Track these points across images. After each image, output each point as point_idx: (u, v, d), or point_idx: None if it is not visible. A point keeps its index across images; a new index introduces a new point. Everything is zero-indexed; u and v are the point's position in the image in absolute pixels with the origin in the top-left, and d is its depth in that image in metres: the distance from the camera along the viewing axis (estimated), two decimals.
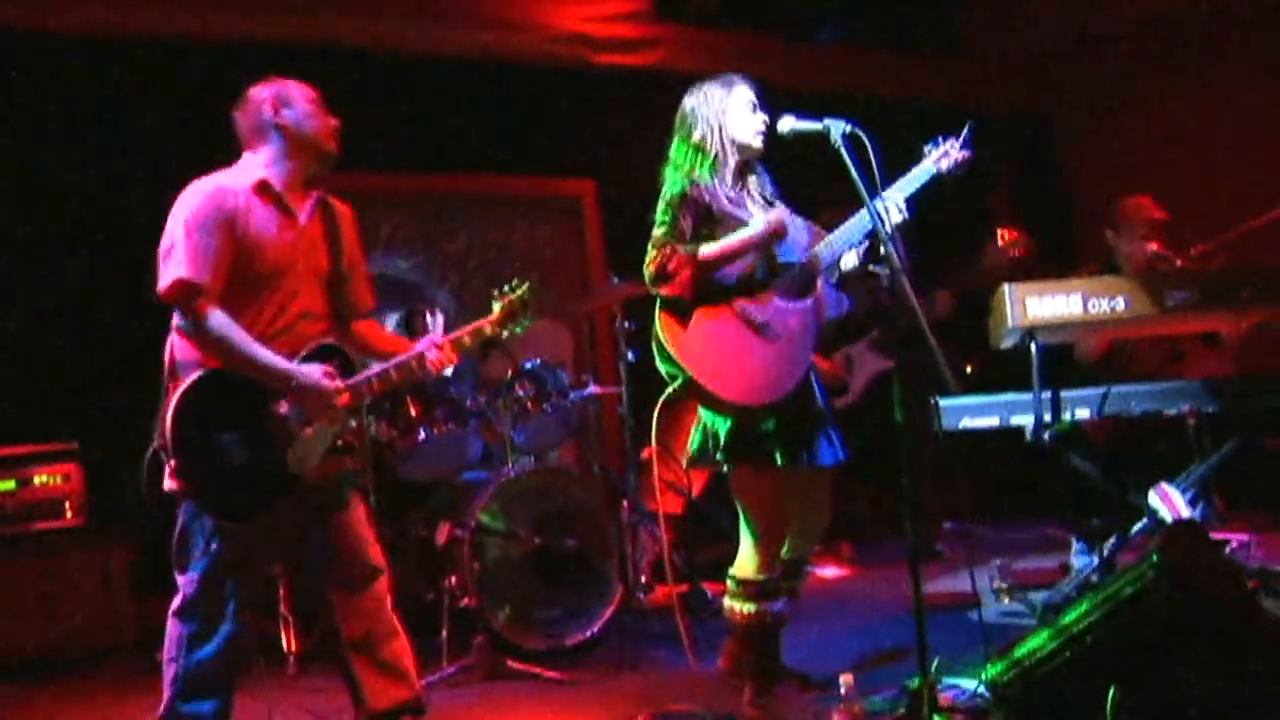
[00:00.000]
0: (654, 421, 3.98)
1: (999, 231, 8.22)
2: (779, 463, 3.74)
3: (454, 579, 4.93)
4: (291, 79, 3.58)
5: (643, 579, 5.89)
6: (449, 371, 5.59)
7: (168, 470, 3.29)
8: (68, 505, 5.42)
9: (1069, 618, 3.40)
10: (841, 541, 6.67)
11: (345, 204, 3.72)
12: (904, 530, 6.61)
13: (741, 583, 3.94)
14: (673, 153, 4.02)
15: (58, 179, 5.89)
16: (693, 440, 3.89)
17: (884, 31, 8.19)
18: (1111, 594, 3.35)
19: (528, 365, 5.43)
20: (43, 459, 5.42)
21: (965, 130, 3.98)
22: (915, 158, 4.04)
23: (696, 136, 3.96)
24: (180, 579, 3.42)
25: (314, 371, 3.38)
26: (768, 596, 3.93)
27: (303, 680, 4.84)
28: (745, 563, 3.94)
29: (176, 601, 3.43)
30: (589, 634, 5.07)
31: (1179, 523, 4.51)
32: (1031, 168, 8.97)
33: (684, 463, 3.95)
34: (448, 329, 5.89)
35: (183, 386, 3.24)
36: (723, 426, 3.77)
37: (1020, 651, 3.43)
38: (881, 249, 3.63)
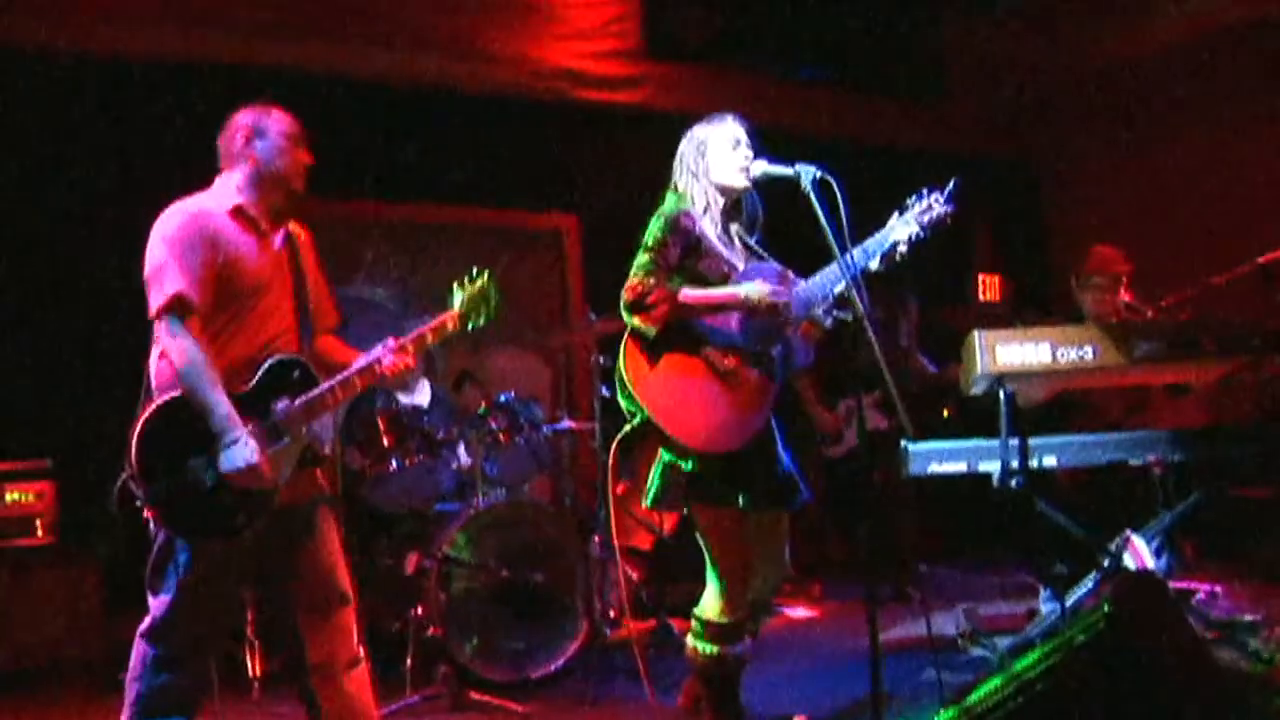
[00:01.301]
0: (610, 457, 3.98)
1: (980, 278, 8.37)
2: (741, 505, 3.76)
3: (420, 609, 4.95)
4: (278, 106, 3.58)
5: (613, 614, 5.90)
6: (420, 387, 5.65)
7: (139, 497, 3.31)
8: (39, 523, 5.43)
9: (1020, 664, 3.41)
10: (813, 581, 6.68)
11: (301, 225, 3.73)
12: (880, 573, 6.74)
13: (706, 624, 3.94)
14: (668, 192, 4.04)
15: (29, 196, 5.90)
16: (652, 480, 3.89)
17: (869, 75, 8.25)
18: (1062, 642, 3.37)
19: (502, 398, 5.46)
20: (15, 477, 5.44)
21: (950, 185, 3.96)
22: (896, 201, 4.05)
23: (682, 184, 4.00)
24: (152, 601, 3.43)
25: (249, 443, 3.30)
26: (730, 639, 3.93)
27: (266, 705, 4.85)
28: (710, 604, 3.93)
29: (146, 623, 3.44)
30: (553, 668, 5.09)
31: (1133, 572, 4.54)
32: (1013, 214, 9.04)
33: (645, 502, 3.95)
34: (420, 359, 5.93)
35: (146, 413, 3.27)
36: (686, 467, 3.78)
37: (972, 698, 3.45)
38: (850, 295, 3.67)
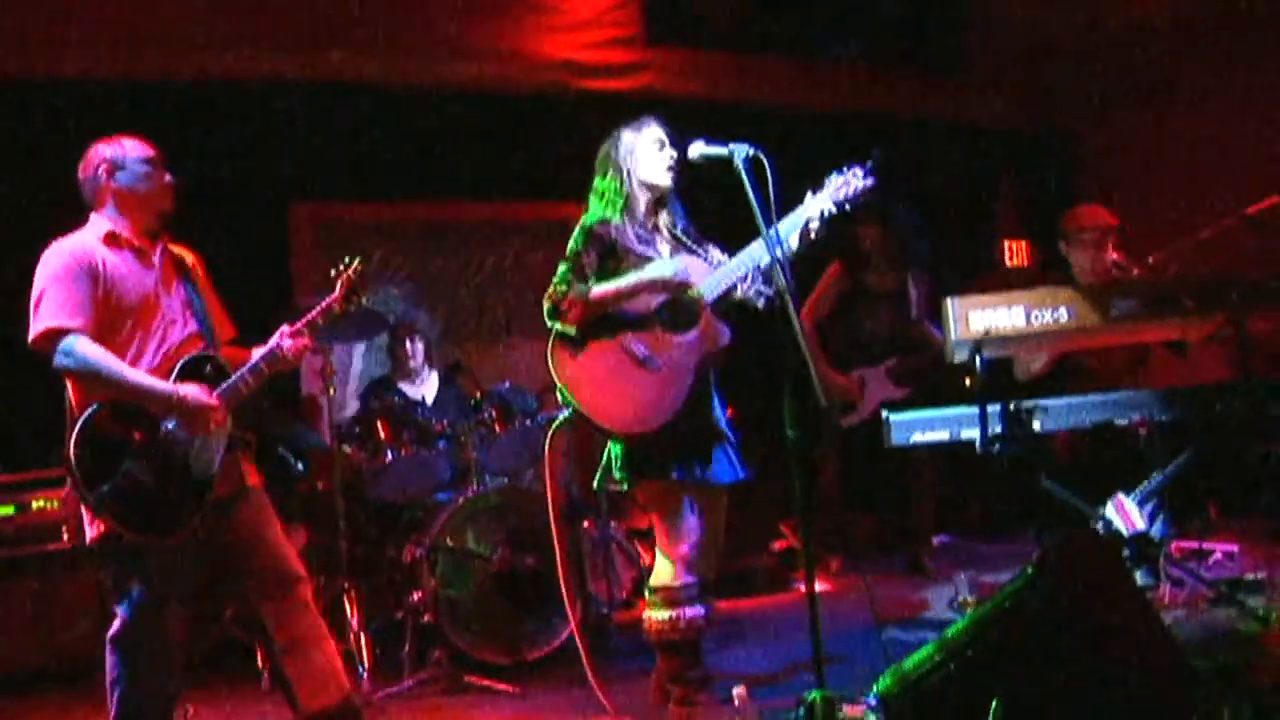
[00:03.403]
0: (546, 446, 4.14)
1: (1006, 244, 8.28)
2: (673, 476, 3.89)
3: (417, 596, 5.08)
4: (129, 135, 3.77)
5: (623, 595, 5.98)
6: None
7: (85, 513, 3.53)
8: (64, 529, 5.64)
9: (953, 630, 3.44)
10: (830, 556, 6.69)
11: (184, 247, 3.94)
12: (900, 546, 6.75)
13: (656, 590, 4.06)
14: (591, 195, 4.23)
15: (60, 204, 6.12)
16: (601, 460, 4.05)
17: (887, 51, 8.18)
18: (991, 607, 3.39)
19: (498, 388, 5.57)
20: (41, 485, 5.65)
21: (871, 158, 4.02)
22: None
23: (607, 181, 4.16)
24: (117, 609, 3.64)
25: (189, 389, 3.56)
26: (682, 602, 4.02)
27: (275, 693, 4.98)
28: (660, 572, 4.07)
29: (113, 629, 3.65)
30: (549, 649, 5.20)
31: (1064, 537, 4.49)
32: (1039, 181, 8.90)
33: (593, 483, 4.09)
34: (429, 353, 6.09)
35: (75, 428, 3.46)
36: (618, 448, 3.95)
37: (909, 664, 3.47)
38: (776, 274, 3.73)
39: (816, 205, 3.96)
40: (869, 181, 3.98)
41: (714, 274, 3.99)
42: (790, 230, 3.93)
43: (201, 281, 3.91)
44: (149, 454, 3.50)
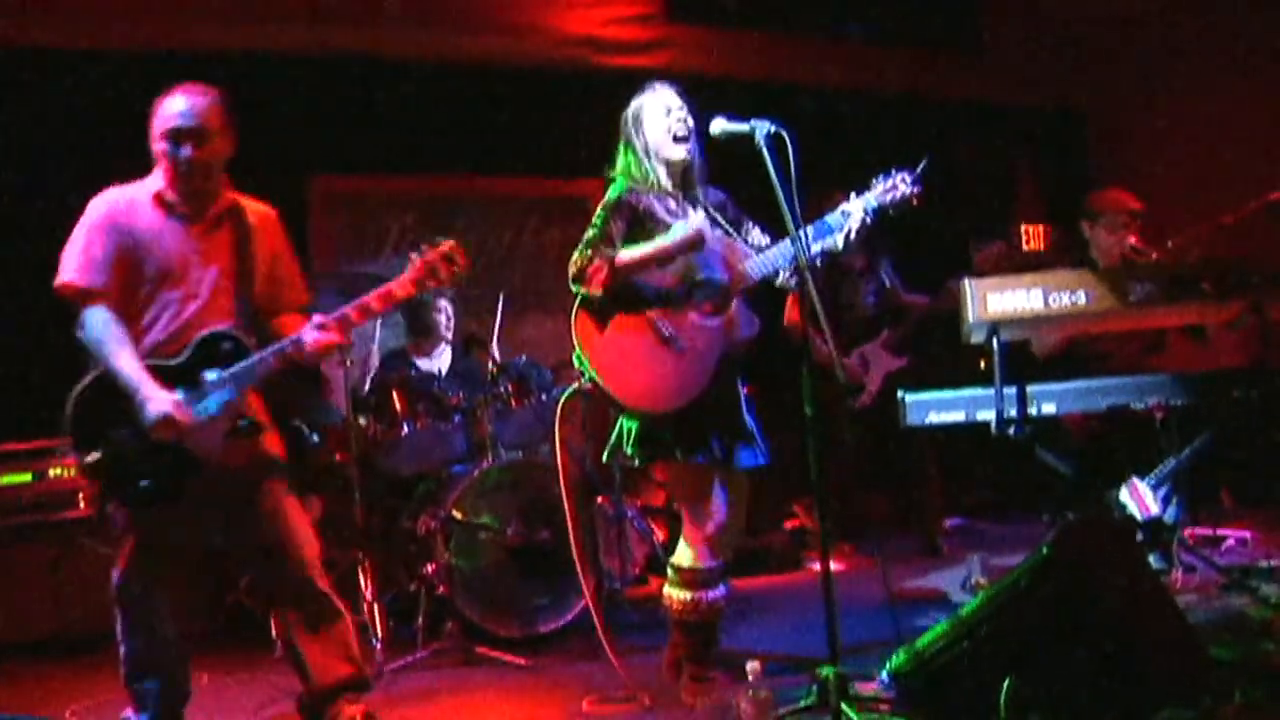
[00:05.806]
0: (557, 414, 4.11)
1: (1024, 228, 8.25)
2: (688, 458, 3.87)
3: (431, 568, 5.11)
4: (173, 92, 3.62)
5: (635, 571, 6.00)
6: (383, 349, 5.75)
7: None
8: (81, 496, 5.67)
9: (966, 609, 3.45)
10: (842, 540, 6.69)
11: (267, 205, 3.87)
12: (913, 528, 6.74)
13: (678, 570, 4.06)
14: (618, 164, 4.16)
15: (71, 174, 6.11)
16: (612, 434, 4.03)
17: (906, 29, 8.15)
18: (1005, 586, 3.40)
19: (514, 362, 5.58)
20: (58, 452, 5.64)
21: (921, 165, 3.96)
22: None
23: (626, 158, 4.13)
24: (113, 570, 3.67)
25: (159, 397, 3.44)
26: (703, 585, 4.03)
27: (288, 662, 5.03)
28: (683, 551, 4.06)
29: (113, 584, 3.69)
30: (562, 623, 5.22)
31: (1079, 518, 4.50)
32: (1057, 162, 8.86)
33: (603, 457, 4.08)
34: (455, 320, 6.06)
35: (73, 392, 3.49)
36: (632, 424, 3.92)
37: (922, 642, 3.49)
38: (811, 261, 3.72)
39: (860, 207, 3.91)
40: (916, 189, 3.92)
41: (748, 264, 3.95)
42: (833, 229, 3.91)
43: (266, 243, 3.78)
44: (139, 425, 3.46)
